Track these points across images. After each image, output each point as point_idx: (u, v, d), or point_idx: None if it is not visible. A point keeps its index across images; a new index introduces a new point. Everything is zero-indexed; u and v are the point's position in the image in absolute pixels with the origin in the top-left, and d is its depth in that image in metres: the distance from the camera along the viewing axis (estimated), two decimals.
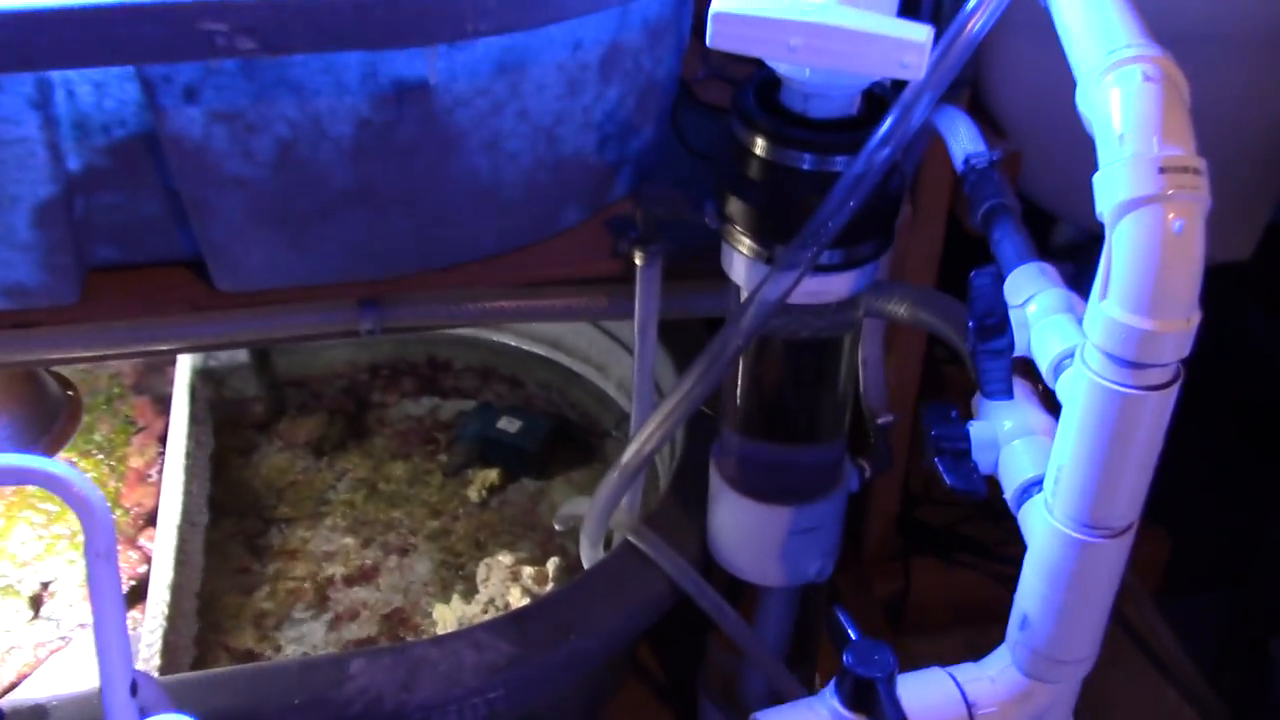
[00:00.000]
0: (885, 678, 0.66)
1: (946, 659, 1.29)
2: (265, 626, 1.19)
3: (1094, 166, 0.57)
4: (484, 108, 0.82)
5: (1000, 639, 1.24)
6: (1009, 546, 1.36)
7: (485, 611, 1.14)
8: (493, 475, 1.34)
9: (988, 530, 1.40)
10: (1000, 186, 0.79)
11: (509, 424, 1.35)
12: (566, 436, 1.38)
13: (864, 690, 0.66)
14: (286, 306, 0.91)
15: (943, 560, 1.28)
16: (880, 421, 1.01)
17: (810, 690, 0.99)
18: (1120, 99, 0.56)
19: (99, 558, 0.61)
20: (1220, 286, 0.65)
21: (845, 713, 0.67)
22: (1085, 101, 0.59)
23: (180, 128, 0.77)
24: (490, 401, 1.41)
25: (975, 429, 0.74)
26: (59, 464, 0.63)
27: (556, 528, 1.20)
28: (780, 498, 0.94)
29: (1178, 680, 1.25)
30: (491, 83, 0.81)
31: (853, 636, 0.68)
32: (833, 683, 0.70)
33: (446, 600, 1.20)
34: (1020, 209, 0.77)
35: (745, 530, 0.97)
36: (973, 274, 0.69)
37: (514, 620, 0.96)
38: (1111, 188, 0.56)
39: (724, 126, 0.83)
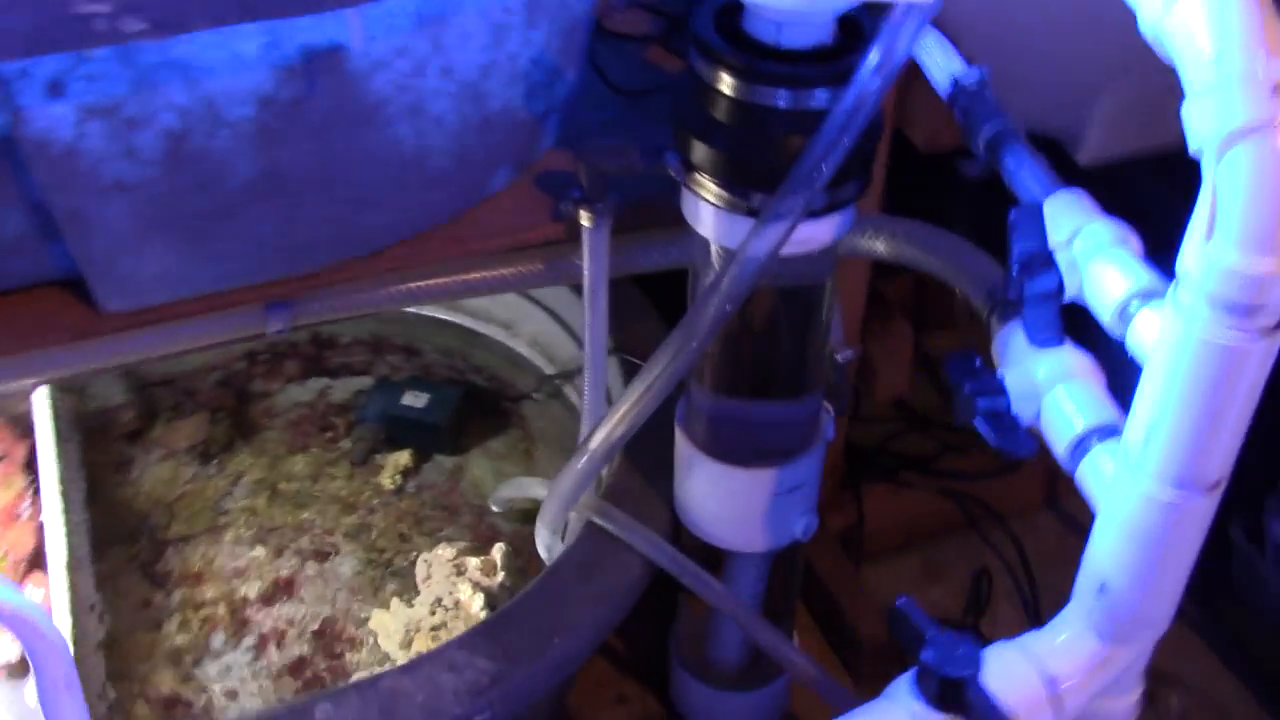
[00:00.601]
0: (975, 674, 0.60)
1: (905, 584, 1.26)
2: (183, 664, 1.07)
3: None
4: (405, 69, 0.70)
5: (953, 553, 1.22)
6: (949, 459, 1.33)
7: (433, 613, 1.05)
8: (404, 457, 1.23)
9: (919, 443, 1.36)
10: (997, 108, 0.71)
11: (414, 399, 1.24)
12: (477, 405, 1.27)
13: (952, 689, 0.59)
14: (183, 321, 0.78)
15: (891, 483, 1.24)
16: (840, 358, 0.94)
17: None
18: (1208, 11, 0.49)
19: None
20: None
21: (933, 714, 0.61)
22: (1154, 18, 0.51)
23: (45, 129, 0.64)
24: (388, 376, 1.29)
25: (1010, 379, 0.67)
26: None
27: (494, 509, 1.11)
28: (762, 459, 0.87)
29: None
30: (411, 40, 0.70)
31: (928, 632, 0.61)
32: (908, 682, 0.63)
33: (382, 604, 1.10)
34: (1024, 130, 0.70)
35: (725, 498, 0.90)
36: (1012, 211, 0.62)
37: (488, 632, 0.87)
38: (1213, 115, 0.49)
39: (644, 58, 0.74)
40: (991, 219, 0.81)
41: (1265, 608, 1.16)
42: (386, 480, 1.22)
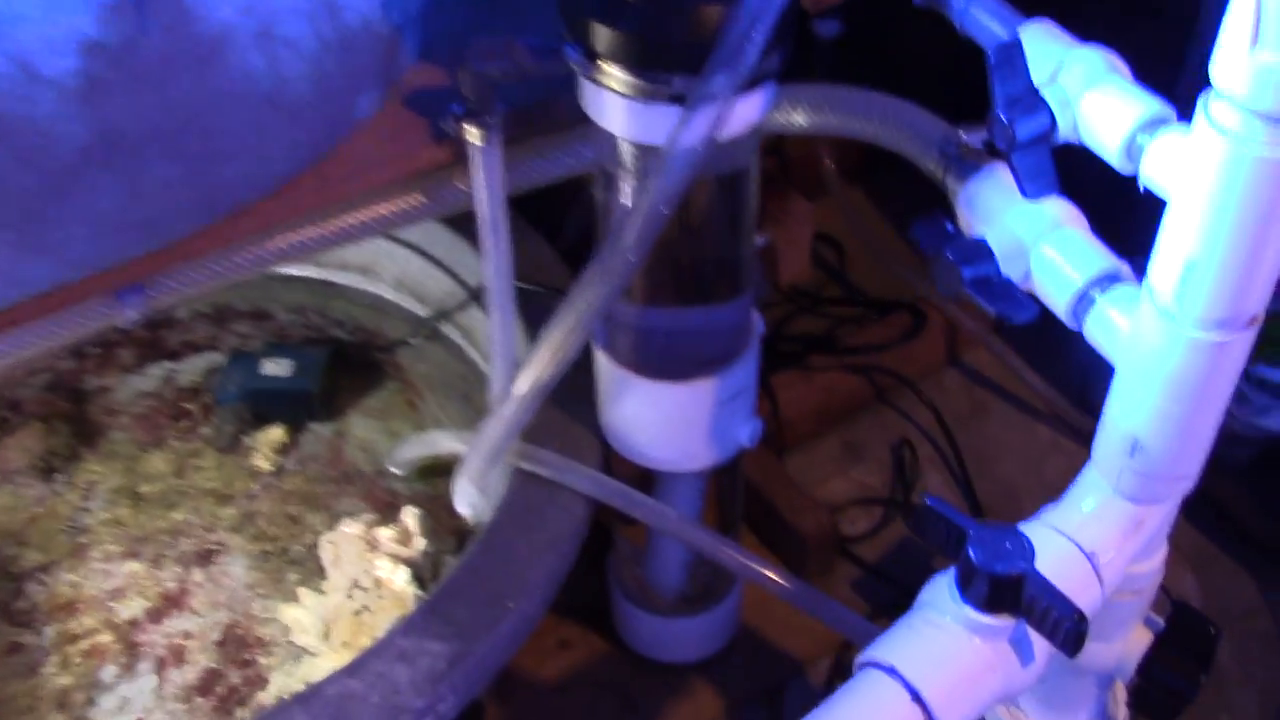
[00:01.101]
0: (1030, 566, 0.54)
1: (828, 468, 1.22)
2: (73, 707, 0.95)
3: None
4: None
5: (870, 430, 1.18)
6: (846, 334, 1.28)
7: (350, 597, 0.95)
8: (277, 433, 1.11)
9: (813, 323, 1.31)
10: None
11: (276, 367, 1.11)
12: (345, 362, 1.16)
13: (1007, 587, 0.54)
14: (19, 329, 0.66)
15: (799, 369, 1.18)
16: (757, 242, 0.87)
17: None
18: None
19: None
20: None
21: (985, 618, 0.55)
22: None
23: None
24: (240, 348, 1.16)
25: (991, 238, 0.61)
26: None
27: (394, 471, 1.01)
28: (700, 370, 0.80)
29: (1050, 416, 1.22)
30: None
31: (970, 529, 0.55)
32: (949, 587, 0.57)
33: (288, 598, 0.99)
34: None
35: (664, 418, 0.82)
36: (992, 47, 0.55)
37: (435, 610, 0.78)
38: None
39: None
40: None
41: None
42: (262, 461, 1.10)
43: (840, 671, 1.03)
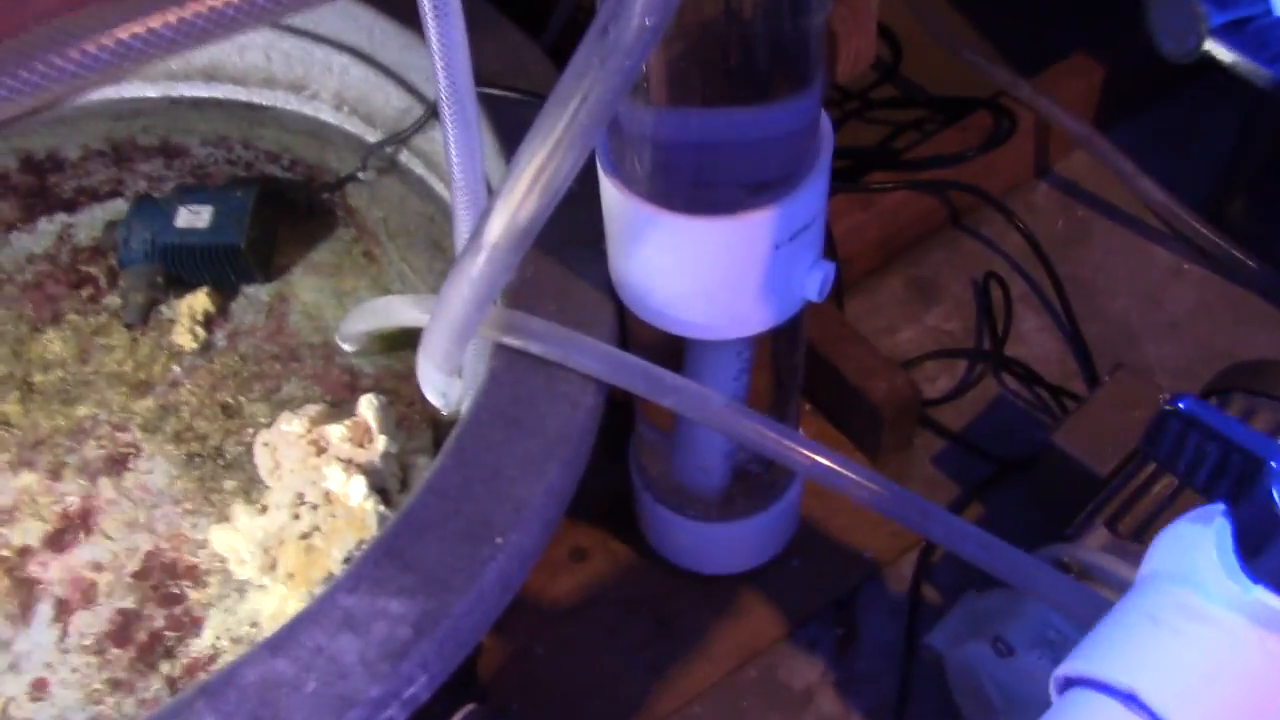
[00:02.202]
0: None
1: (894, 314, 0.98)
2: None
3: None
4: None
5: (941, 263, 0.96)
6: (908, 145, 1.03)
7: (296, 517, 0.73)
8: (201, 300, 0.88)
9: (865, 131, 1.06)
10: None
11: (192, 216, 0.87)
12: (284, 205, 0.92)
13: None
14: None
15: (853, 192, 0.94)
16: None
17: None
18: None
19: None
20: None
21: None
22: None
23: None
24: (148, 193, 0.92)
25: None
26: None
27: (345, 349, 0.77)
28: (749, 199, 0.56)
29: (1171, 234, 0.98)
30: None
31: (1270, 457, 0.32)
32: (1218, 545, 0.34)
33: (224, 516, 0.77)
34: None
35: (699, 269, 0.58)
36: None
37: (391, 553, 0.55)
38: None
39: None
40: None
41: None
42: (184, 338, 0.87)
43: (927, 572, 0.81)
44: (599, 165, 0.58)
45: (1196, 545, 0.34)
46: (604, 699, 0.77)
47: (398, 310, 0.67)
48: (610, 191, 0.58)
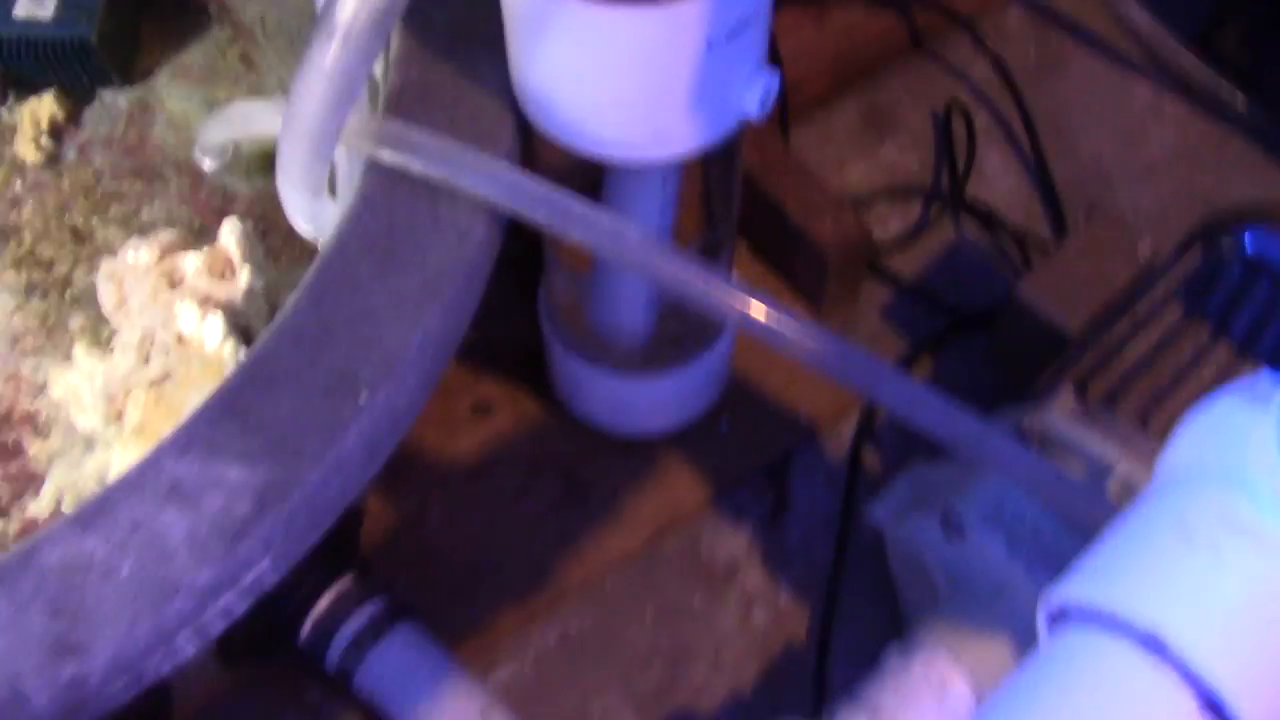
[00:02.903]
0: None
1: (845, 146, 0.88)
2: None
3: None
4: None
5: (900, 89, 0.87)
6: None
7: (145, 360, 0.62)
8: (47, 104, 0.76)
9: None
10: None
11: (34, 4, 0.74)
12: None
13: None
14: None
15: (805, 3, 0.82)
16: None
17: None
18: None
19: None
20: None
21: None
22: None
23: None
24: None
25: None
26: None
27: (205, 166, 0.66)
28: None
29: (1153, 66, 0.88)
30: None
31: None
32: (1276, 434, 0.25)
33: (68, 356, 0.67)
34: None
35: (617, 71, 0.48)
36: None
37: (232, 409, 0.46)
38: None
39: None
40: None
41: None
42: (26, 149, 0.75)
43: (869, 436, 0.73)
44: None
45: (1245, 432, 0.26)
46: (504, 570, 0.69)
47: (256, 116, 0.56)
48: None
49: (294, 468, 0.45)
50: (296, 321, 0.48)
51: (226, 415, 0.46)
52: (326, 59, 0.41)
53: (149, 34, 0.79)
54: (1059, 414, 0.60)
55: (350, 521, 0.64)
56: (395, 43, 0.55)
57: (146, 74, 0.78)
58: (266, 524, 0.44)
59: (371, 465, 0.48)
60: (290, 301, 0.49)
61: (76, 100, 0.77)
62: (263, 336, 0.48)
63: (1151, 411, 0.58)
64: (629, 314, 0.64)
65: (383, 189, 0.51)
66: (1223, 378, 0.59)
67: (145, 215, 0.73)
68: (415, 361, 0.48)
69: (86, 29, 0.73)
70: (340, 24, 0.40)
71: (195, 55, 0.79)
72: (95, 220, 0.73)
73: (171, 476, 0.45)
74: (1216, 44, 0.86)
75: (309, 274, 0.49)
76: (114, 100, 0.77)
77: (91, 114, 0.77)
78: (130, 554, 0.43)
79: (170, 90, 0.78)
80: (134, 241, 0.65)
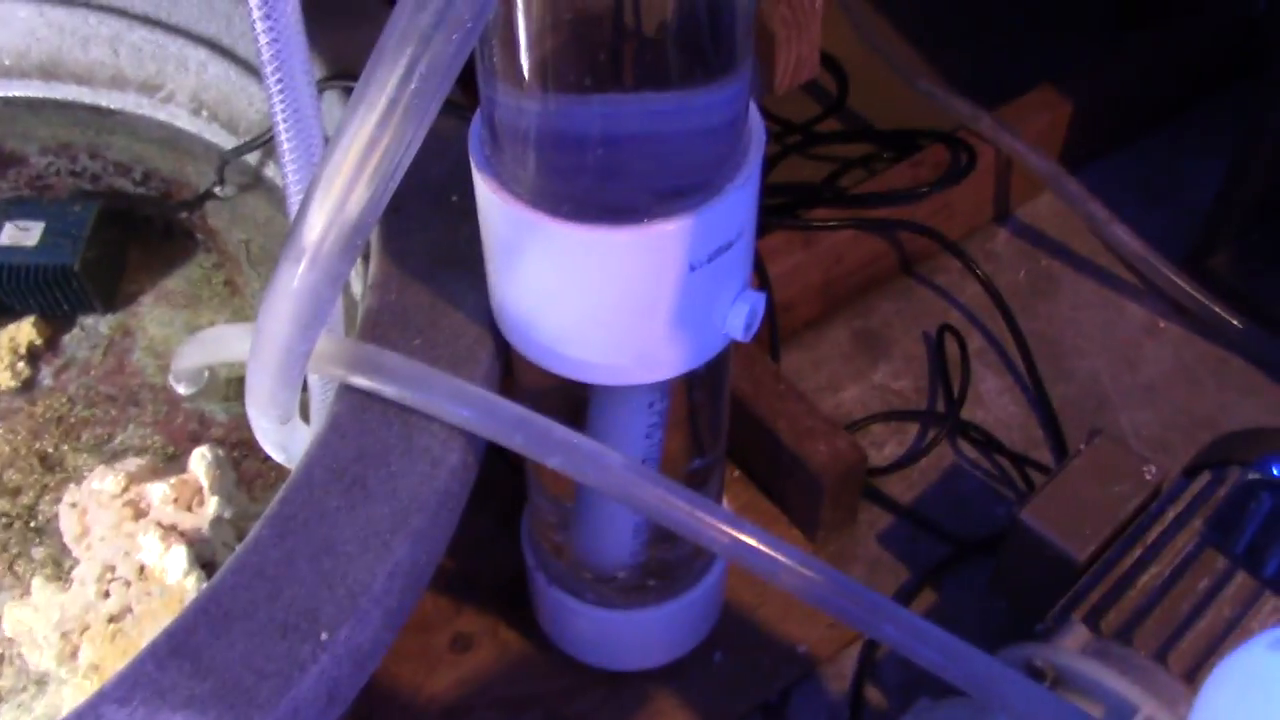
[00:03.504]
0: None
1: (838, 370, 0.87)
2: None
3: None
4: None
5: (889, 313, 0.86)
6: (853, 180, 0.93)
7: (105, 595, 0.59)
8: (25, 330, 0.75)
9: (804, 165, 0.95)
10: None
11: (20, 232, 0.74)
12: (132, 225, 0.79)
13: None
14: None
15: (793, 228, 0.82)
16: None
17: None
18: None
19: None
20: None
21: None
22: None
23: None
24: None
25: None
26: None
27: (180, 391, 0.64)
28: (660, 206, 0.44)
29: (1146, 287, 0.88)
30: None
31: None
32: None
33: (25, 589, 0.64)
34: None
35: (599, 295, 0.46)
36: None
37: (178, 650, 0.42)
38: None
39: None
40: None
41: None
42: (1, 374, 0.73)
43: (871, 671, 0.69)
44: (472, 160, 0.46)
45: None
46: None
47: (229, 340, 0.54)
48: (485, 194, 0.46)
49: (245, 715, 0.41)
50: (256, 554, 0.45)
51: (176, 656, 0.43)
52: (293, 281, 0.40)
53: (136, 261, 0.79)
54: (1072, 649, 0.57)
55: None
56: (373, 266, 0.54)
57: (129, 299, 0.77)
58: None
59: (333, 710, 0.44)
60: (252, 533, 0.46)
61: (56, 325, 0.76)
62: (220, 570, 0.45)
63: (1171, 646, 0.55)
64: (615, 543, 0.61)
65: (353, 414, 0.49)
66: (1244, 609, 0.55)
67: (118, 441, 0.71)
68: (382, 597, 0.45)
69: (69, 256, 0.73)
70: (308, 246, 0.39)
71: (179, 281, 0.78)
72: (66, 447, 0.71)
73: None
74: (1208, 266, 0.86)
75: (272, 504, 0.46)
76: (94, 325, 0.76)
77: (70, 339, 0.76)
78: None
79: (152, 315, 0.77)
80: (100, 470, 0.62)
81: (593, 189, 0.44)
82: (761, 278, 0.79)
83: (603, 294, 0.46)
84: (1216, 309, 0.83)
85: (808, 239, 0.82)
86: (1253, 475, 0.51)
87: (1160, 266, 0.84)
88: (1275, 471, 0.28)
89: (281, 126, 0.45)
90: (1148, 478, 0.65)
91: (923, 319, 0.86)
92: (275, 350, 0.43)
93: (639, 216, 0.44)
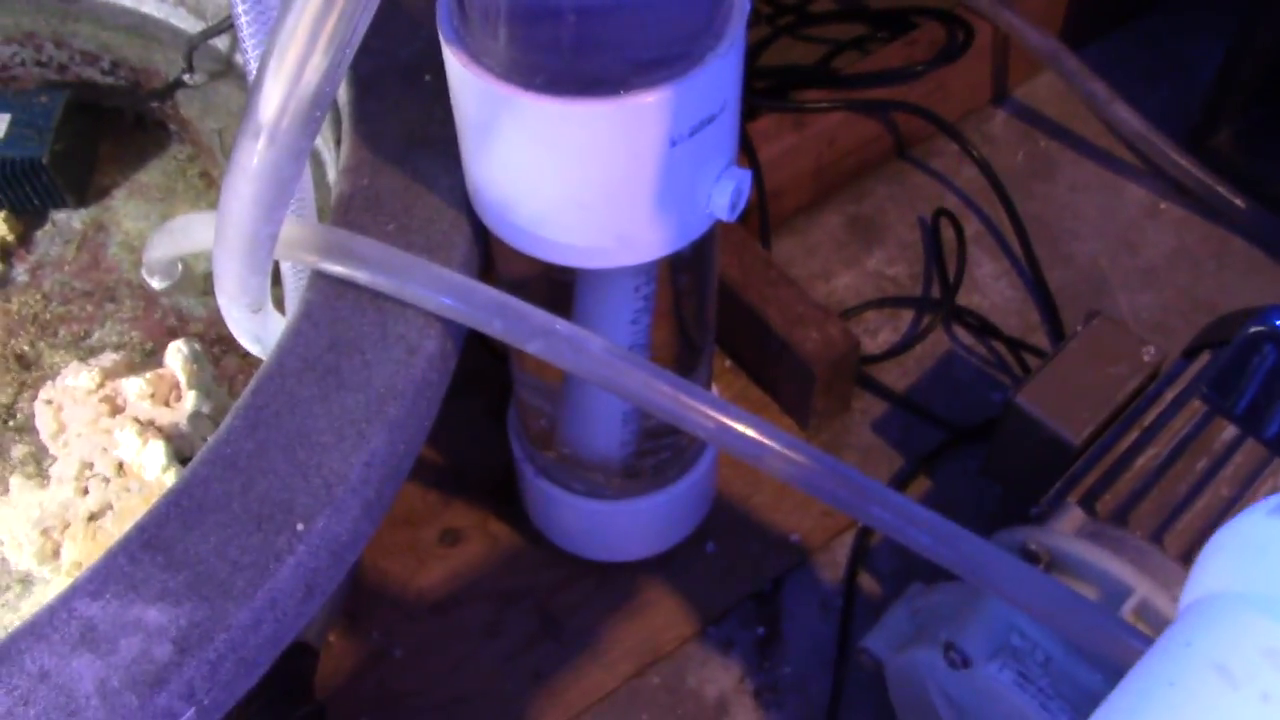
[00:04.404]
0: None
1: (831, 256, 0.85)
2: None
3: None
4: None
5: (883, 198, 0.84)
6: (847, 61, 0.90)
7: (84, 492, 0.58)
8: None
9: (798, 48, 0.92)
10: None
11: None
12: (102, 115, 0.77)
13: None
14: None
15: (783, 112, 0.80)
16: None
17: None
18: None
19: None
20: None
21: None
22: None
23: None
24: None
25: None
26: None
27: (153, 285, 0.63)
28: (638, 76, 0.42)
29: (1146, 168, 0.86)
30: None
31: None
32: None
33: (5, 489, 0.63)
34: None
35: (577, 172, 0.44)
36: None
37: (152, 544, 0.41)
38: None
39: None
40: None
41: None
42: None
43: (864, 558, 0.69)
44: (440, 34, 0.44)
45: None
46: (475, 712, 0.64)
47: (197, 228, 0.53)
48: (455, 68, 0.44)
49: (220, 607, 0.41)
50: (228, 446, 0.44)
51: (148, 550, 0.42)
52: (253, 160, 0.38)
53: (106, 153, 0.77)
54: (1067, 532, 0.56)
55: (301, 661, 0.59)
56: (345, 150, 0.52)
57: (102, 193, 0.75)
58: (188, 671, 0.40)
59: (311, 602, 0.44)
60: (223, 424, 0.45)
61: (27, 221, 0.74)
62: (192, 462, 0.44)
63: (1167, 527, 0.54)
64: (604, 430, 0.60)
65: (326, 302, 0.47)
66: (1243, 488, 0.54)
67: (95, 338, 0.70)
68: (359, 486, 0.44)
69: (38, 149, 0.71)
70: (265, 121, 0.37)
71: (154, 174, 0.76)
72: (43, 345, 0.70)
73: (83, 620, 0.40)
74: (1210, 145, 0.84)
75: (244, 395, 0.45)
76: (67, 221, 0.74)
77: (43, 235, 0.74)
78: (35, 707, 0.39)
79: (127, 209, 0.75)
80: (74, 366, 0.61)
81: (567, 60, 0.42)
82: (751, 162, 0.77)
83: (580, 171, 0.44)
84: (1220, 189, 0.81)
85: (798, 122, 0.80)
86: (1256, 329, 0.49)
87: (1162, 145, 0.82)
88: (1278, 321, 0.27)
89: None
90: (1146, 359, 0.63)
91: (918, 203, 0.84)
92: (240, 233, 0.41)
93: (616, 88, 0.42)
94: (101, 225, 0.74)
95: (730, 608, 0.67)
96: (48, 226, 0.74)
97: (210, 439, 0.44)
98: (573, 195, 0.45)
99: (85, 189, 0.75)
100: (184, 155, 0.76)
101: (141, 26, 0.73)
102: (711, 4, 0.43)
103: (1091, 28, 0.92)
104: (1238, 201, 0.81)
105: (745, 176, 0.48)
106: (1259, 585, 0.21)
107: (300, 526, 0.42)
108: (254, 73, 0.46)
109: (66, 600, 0.41)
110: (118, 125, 0.77)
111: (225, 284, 0.45)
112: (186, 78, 0.71)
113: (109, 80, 0.76)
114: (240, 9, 0.43)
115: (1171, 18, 0.95)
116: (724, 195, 0.47)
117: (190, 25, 0.71)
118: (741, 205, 0.49)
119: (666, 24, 0.42)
